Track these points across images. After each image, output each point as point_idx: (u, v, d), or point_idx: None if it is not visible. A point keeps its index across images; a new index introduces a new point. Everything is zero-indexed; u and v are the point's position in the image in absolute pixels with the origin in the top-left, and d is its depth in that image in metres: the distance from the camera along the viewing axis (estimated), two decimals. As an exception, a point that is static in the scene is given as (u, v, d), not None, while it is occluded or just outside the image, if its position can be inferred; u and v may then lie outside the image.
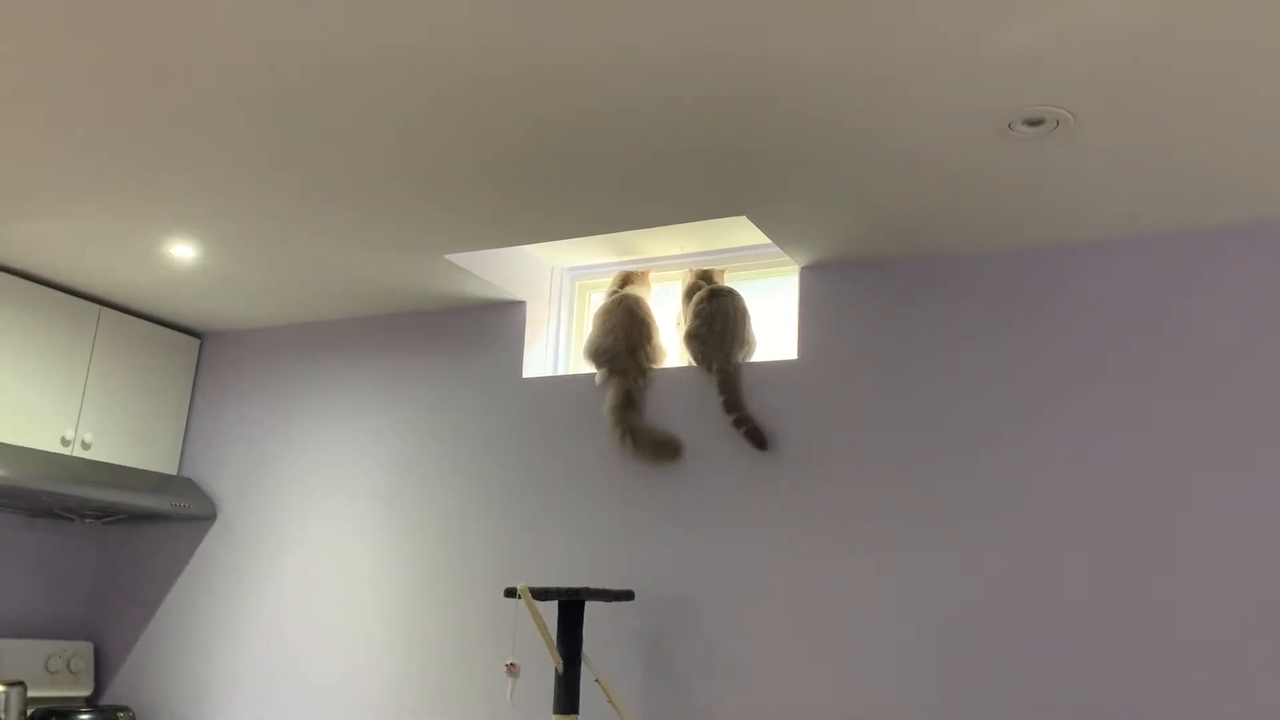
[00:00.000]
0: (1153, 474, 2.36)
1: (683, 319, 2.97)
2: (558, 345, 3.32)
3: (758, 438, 2.75)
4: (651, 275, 3.13)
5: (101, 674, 3.64)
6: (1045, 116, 1.98)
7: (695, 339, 2.87)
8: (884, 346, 2.71)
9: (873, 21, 1.72)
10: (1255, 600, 2.22)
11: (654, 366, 2.98)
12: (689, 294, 2.96)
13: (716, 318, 2.85)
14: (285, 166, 2.41)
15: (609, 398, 2.94)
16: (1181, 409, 2.37)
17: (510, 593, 2.52)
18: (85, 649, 3.54)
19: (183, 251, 2.99)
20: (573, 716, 2.48)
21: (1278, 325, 2.33)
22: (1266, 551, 2.23)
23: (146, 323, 3.62)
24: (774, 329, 3.00)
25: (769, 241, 2.88)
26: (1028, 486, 2.47)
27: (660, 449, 2.87)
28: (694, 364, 2.91)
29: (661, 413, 2.93)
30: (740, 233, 2.93)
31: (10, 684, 3.11)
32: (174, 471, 3.68)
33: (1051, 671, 2.35)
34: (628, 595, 2.61)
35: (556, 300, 3.35)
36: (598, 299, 3.31)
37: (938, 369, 2.64)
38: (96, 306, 3.44)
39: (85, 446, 3.36)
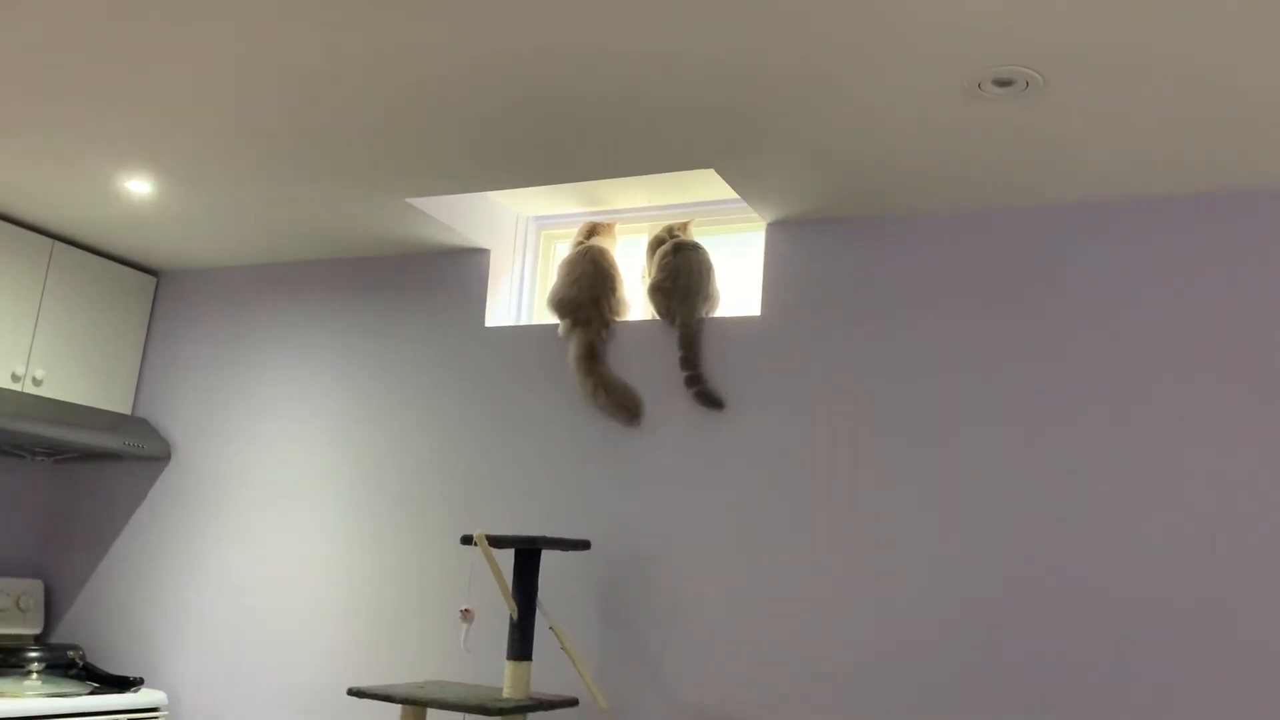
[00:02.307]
0: (1117, 436, 2.40)
1: (647, 272, 2.96)
2: (521, 295, 3.30)
3: (709, 399, 2.76)
4: (617, 227, 3.11)
5: (51, 612, 3.61)
6: (1015, 78, 1.98)
7: (659, 292, 2.87)
8: (848, 305, 2.72)
9: (847, -27, 1.70)
10: (1226, 563, 2.27)
11: (617, 319, 2.98)
12: (654, 246, 2.94)
13: (681, 271, 2.84)
14: (245, 102, 2.36)
15: (572, 349, 2.93)
16: (1143, 371, 2.41)
17: (467, 540, 2.52)
18: (35, 587, 3.51)
19: (138, 186, 2.93)
20: (526, 663, 2.50)
21: (1246, 292, 2.36)
22: (1234, 512, 2.28)
23: (101, 259, 3.55)
24: (739, 285, 3.00)
25: (736, 197, 2.87)
26: (990, 445, 2.51)
27: (621, 409, 2.86)
28: (657, 317, 2.90)
29: (623, 366, 2.93)
30: (707, 187, 2.92)
31: (-43, 620, 3.08)
32: (128, 411, 3.63)
33: (1014, 627, 2.40)
34: (584, 545, 2.62)
35: (521, 249, 3.32)
36: (563, 249, 3.29)
37: (901, 328, 2.65)
38: (49, 241, 3.36)
39: (36, 383, 3.30)
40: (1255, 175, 2.33)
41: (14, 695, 2.91)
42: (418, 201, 2.90)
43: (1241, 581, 2.23)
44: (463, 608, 2.74)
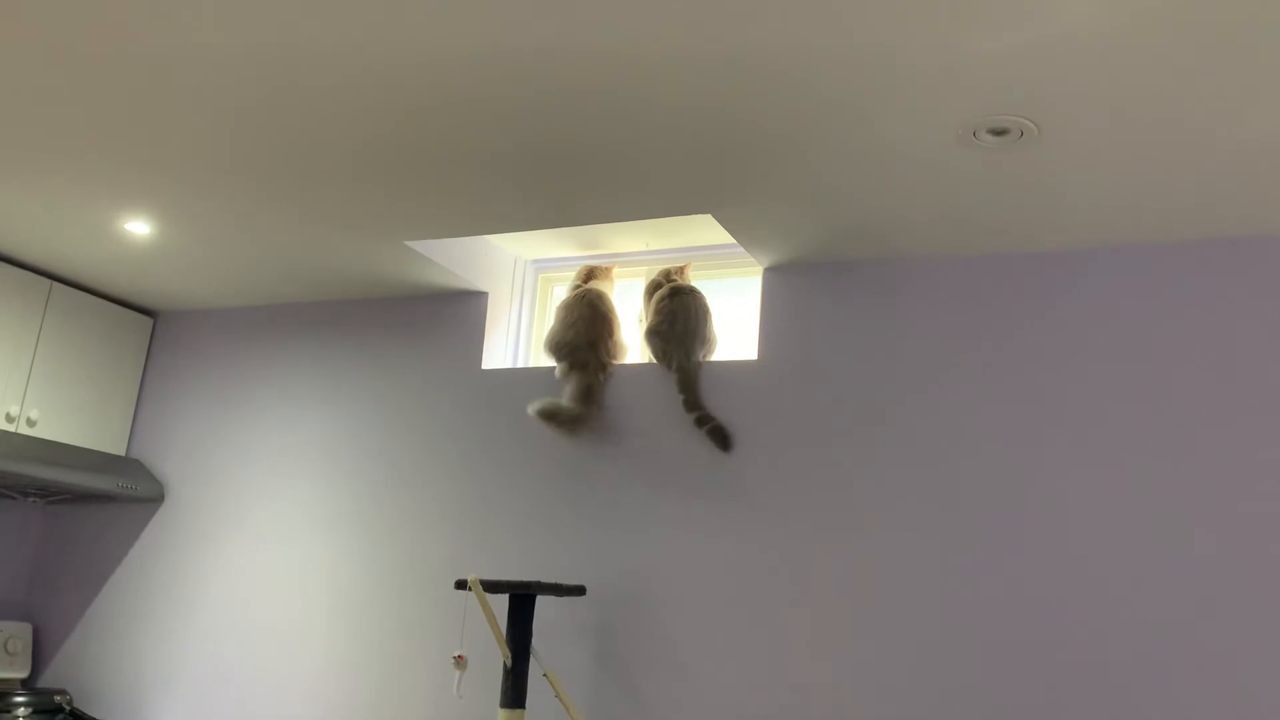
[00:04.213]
0: (1116, 477, 2.39)
1: (645, 315, 2.96)
2: (518, 337, 3.30)
3: (720, 437, 2.75)
4: (615, 271, 3.12)
5: (40, 655, 3.56)
6: (1009, 126, 2.00)
7: (656, 336, 2.87)
8: (844, 349, 2.72)
9: (840, 27, 1.72)
10: (1224, 593, 2.26)
11: (615, 362, 2.97)
12: (651, 290, 2.95)
13: (678, 315, 2.85)
14: (244, 145, 2.37)
15: (569, 390, 2.93)
16: (1135, 414, 2.40)
17: (461, 584, 2.50)
18: (23, 630, 3.47)
19: (137, 228, 2.94)
20: (519, 710, 2.46)
21: (1235, 335, 2.37)
22: (1235, 544, 2.27)
23: (98, 299, 3.55)
24: (735, 329, 3.01)
25: (733, 241, 2.88)
26: (985, 486, 2.50)
27: (567, 419, 2.89)
28: (654, 361, 2.90)
29: (621, 409, 2.92)
30: (705, 232, 2.93)
31: (-57, 664, 3.04)
32: (122, 452, 3.61)
33: (1016, 668, 2.38)
34: (579, 590, 2.60)
35: (519, 292, 3.33)
36: (561, 292, 3.30)
37: (896, 373, 2.65)
38: (47, 281, 3.37)
39: (31, 424, 3.29)
40: (1246, 223, 2.34)
41: (-1, 741, 2.86)
42: (416, 244, 2.91)
43: (1244, 614, 2.21)
44: (456, 654, 2.71)
